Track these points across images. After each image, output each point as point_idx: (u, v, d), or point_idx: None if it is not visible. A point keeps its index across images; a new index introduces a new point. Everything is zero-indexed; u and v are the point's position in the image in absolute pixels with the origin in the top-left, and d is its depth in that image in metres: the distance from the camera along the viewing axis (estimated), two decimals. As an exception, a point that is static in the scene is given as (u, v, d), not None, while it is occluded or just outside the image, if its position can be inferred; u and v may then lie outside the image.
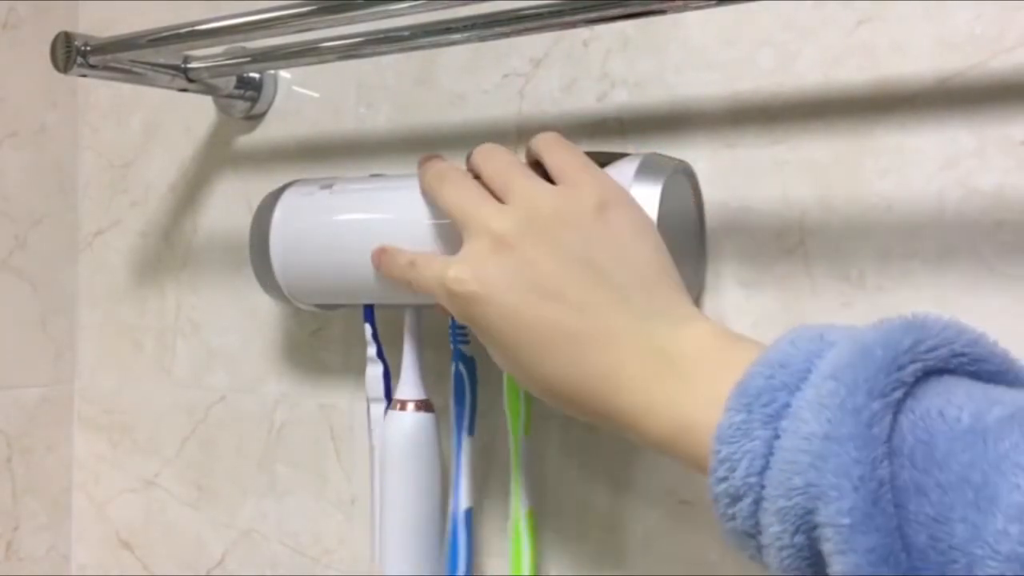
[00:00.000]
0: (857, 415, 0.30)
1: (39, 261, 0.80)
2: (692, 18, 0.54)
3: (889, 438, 0.30)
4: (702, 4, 0.47)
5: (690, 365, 0.38)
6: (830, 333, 0.34)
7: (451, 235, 0.51)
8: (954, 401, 0.31)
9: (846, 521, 0.30)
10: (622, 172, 0.48)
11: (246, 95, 0.70)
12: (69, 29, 0.60)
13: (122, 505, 0.79)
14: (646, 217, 0.46)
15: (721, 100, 0.53)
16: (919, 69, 0.48)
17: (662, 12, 0.48)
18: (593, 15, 0.48)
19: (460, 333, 0.56)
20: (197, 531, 0.75)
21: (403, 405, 0.57)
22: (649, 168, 0.48)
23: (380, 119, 0.66)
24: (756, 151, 0.52)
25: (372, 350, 0.59)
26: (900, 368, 0.31)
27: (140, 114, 0.78)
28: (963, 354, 0.33)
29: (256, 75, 0.70)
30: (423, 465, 0.56)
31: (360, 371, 0.60)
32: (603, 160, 0.50)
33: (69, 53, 0.60)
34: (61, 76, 0.61)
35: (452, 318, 0.56)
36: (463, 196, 0.46)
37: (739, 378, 0.34)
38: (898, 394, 0.31)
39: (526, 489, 0.55)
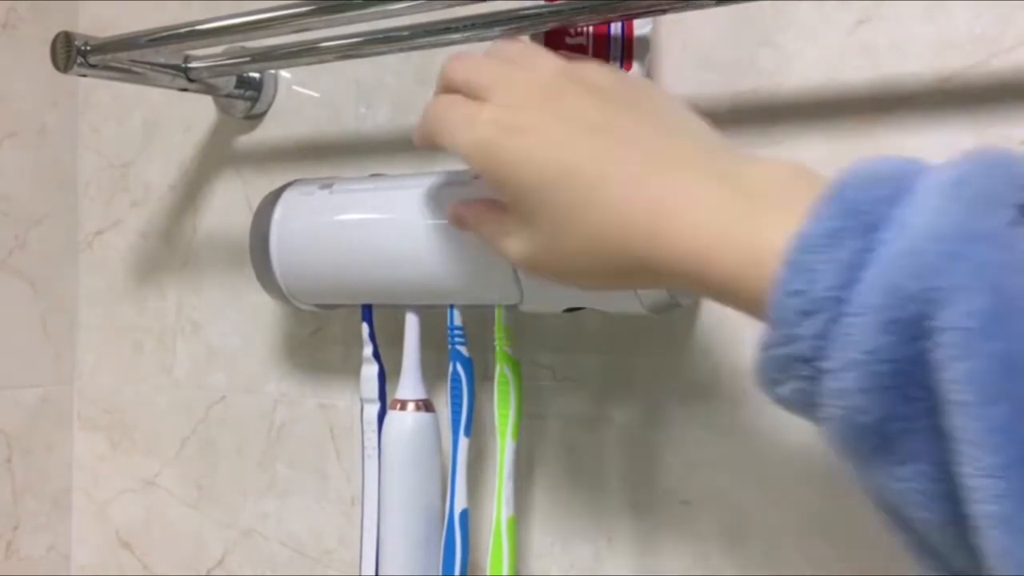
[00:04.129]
0: (990, 216, 0.27)
1: (39, 261, 0.80)
2: (692, 18, 0.54)
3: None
4: (702, 4, 0.47)
5: (765, 187, 0.34)
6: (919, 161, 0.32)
7: (452, 235, 0.51)
8: None
9: (972, 324, 0.27)
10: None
11: (246, 95, 0.70)
12: (69, 29, 0.60)
13: (122, 505, 0.79)
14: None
15: (721, 100, 0.53)
16: (919, 69, 0.48)
17: (662, 12, 0.48)
18: (593, 15, 0.48)
19: (459, 333, 0.56)
20: (197, 531, 0.75)
21: (403, 405, 0.57)
22: (649, 168, 0.48)
23: (380, 119, 0.66)
24: (756, 151, 0.52)
25: (368, 350, 0.59)
26: (1020, 187, 0.29)
27: (140, 114, 0.78)
28: None
29: (256, 75, 0.70)
30: (423, 465, 0.56)
31: (360, 371, 0.60)
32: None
33: (69, 53, 0.60)
34: (61, 76, 0.61)
35: (451, 318, 0.56)
36: (446, 107, 0.43)
37: (827, 190, 0.31)
38: (1016, 213, 0.28)
39: (510, 495, 0.55)
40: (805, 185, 0.33)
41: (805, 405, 0.31)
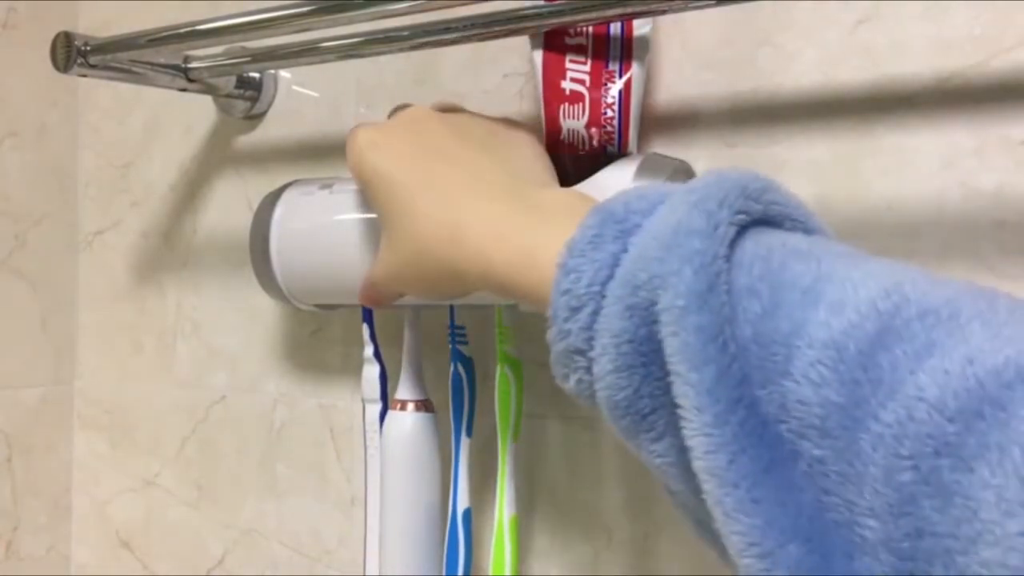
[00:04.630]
0: (707, 216, 0.32)
1: (39, 261, 0.80)
2: (692, 18, 0.54)
3: (731, 247, 0.32)
4: (702, 4, 0.47)
5: (549, 206, 0.40)
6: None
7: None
8: (793, 238, 0.33)
9: (681, 303, 0.31)
10: (622, 172, 0.48)
11: (246, 95, 0.70)
12: (69, 29, 0.60)
13: (122, 505, 0.79)
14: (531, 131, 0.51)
15: (721, 100, 0.53)
16: (919, 69, 0.48)
17: (662, 12, 0.48)
18: (593, 15, 0.48)
19: (459, 333, 0.56)
20: (197, 531, 0.75)
21: (403, 405, 0.57)
22: (649, 168, 0.48)
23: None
24: (756, 151, 0.52)
25: (369, 350, 0.59)
26: (750, 198, 0.33)
27: (140, 114, 0.78)
28: (797, 220, 0.35)
29: (256, 75, 0.70)
30: (423, 465, 0.56)
31: (360, 371, 0.60)
32: (603, 160, 0.50)
33: (69, 53, 0.60)
34: (61, 76, 0.61)
35: (451, 318, 0.56)
36: (355, 128, 0.50)
37: (597, 206, 0.36)
38: (743, 217, 0.33)
39: (511, 495, 0.55)
40: (585, 205, 0.38)
41: (588, 395, 0.35)
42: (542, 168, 0.49)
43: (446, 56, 0.62)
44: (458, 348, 0.56)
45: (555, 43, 0.51)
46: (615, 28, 0.50)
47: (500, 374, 0.55)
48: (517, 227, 0.40)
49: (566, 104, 0.50)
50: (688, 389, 0.31)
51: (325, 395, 0.69)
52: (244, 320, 0.72)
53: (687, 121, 0.54)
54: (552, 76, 0.51)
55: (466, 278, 0.42)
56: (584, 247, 0.35)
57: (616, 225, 0.35)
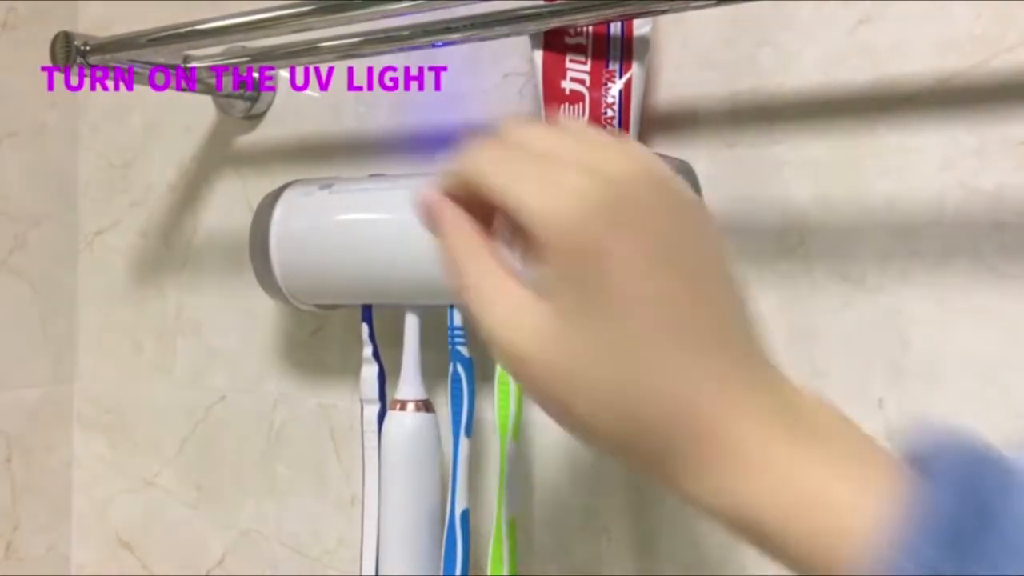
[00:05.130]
0: None
1: (39, 261, 0.80)
2: (692, 18, 0.54)
3: None
4: (702, 4, 0.47)
5: (821, 427, 0.29)
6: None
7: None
8: None
9: None
10: (622, 172, 0.48)
11: (246, 95, 0.70)
12: (69, 29, 0.60)
13: (122, 505, 0.79)
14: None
15: (721, 100, 0.53)
16: (919, 69, 0.48)
17: (662, 12, 0.48)
18: (593, 15, 0.48)
19: (459, 333, 0.56)
20: (197, 531, 0.75)
21: (403, 405, 0.57)
22: (649, 168, 0.48)
23: (380, 119, 0.66)
24: (756, 151, 0.52)
25: (368, 350, 0.59)
26: None
27: (140, 114, 0.78)
28: None
29: (256, 75, 0.70)
30: (423, 465, 0.56)
31: (360, 371, 0.60)
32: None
33: (69, 53, 0.60)
34: (61, 76, 0.61)
35: (451, 318, 0.56)
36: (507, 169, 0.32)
37: (921, 496, 0.26)
38: None
39: (510, 496, 0.55)
40: (860, 433, 0.29)
41: None
42: (741, 299, 0.32)
43: (446, 56, 0.62)
44: (458, 348, 0.56)
45: (555, 43, 0.51)
46: (615, 28, 0.50)
47: (500, 374, 0.55)
48: (804, 466, 0.28)
49: (566, 104, 0.50)
50: None
51: (325, 395, 0.68)
52: (244, 320, 0.72)
53: (687, 121, 0.54)
54: (552, 76, 0.51)
55: (680, 482, 0.29)
56: (941, 536, 0.25)
57: (958, 548, 0.25)
